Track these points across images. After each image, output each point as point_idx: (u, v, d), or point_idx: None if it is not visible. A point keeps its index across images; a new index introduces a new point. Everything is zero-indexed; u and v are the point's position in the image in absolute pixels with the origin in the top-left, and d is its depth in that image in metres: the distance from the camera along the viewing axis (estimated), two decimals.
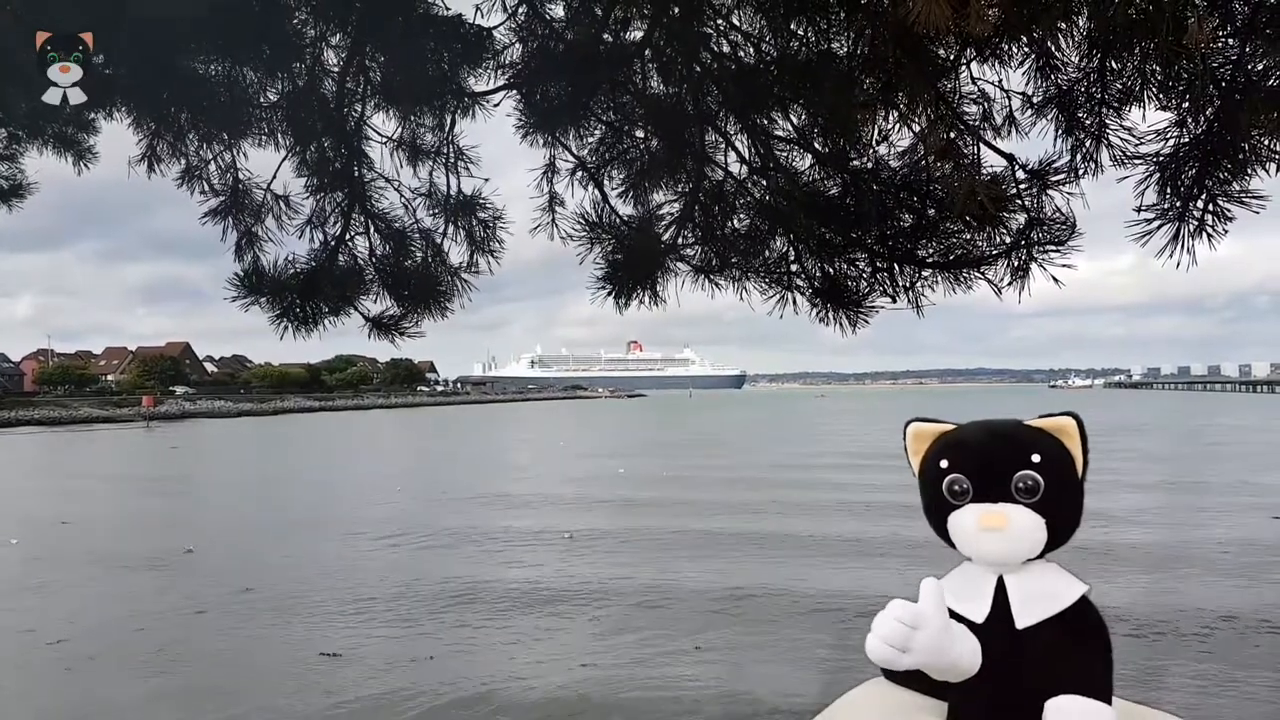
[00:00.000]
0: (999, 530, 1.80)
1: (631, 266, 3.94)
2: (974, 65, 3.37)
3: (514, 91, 3.98)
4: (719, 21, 3.92)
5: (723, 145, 4.05)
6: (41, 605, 9.22)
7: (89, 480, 23.86)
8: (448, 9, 3.94)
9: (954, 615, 1.80)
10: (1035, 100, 3.35)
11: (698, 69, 3.99)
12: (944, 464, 1.90)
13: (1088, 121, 3.28)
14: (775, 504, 15.68)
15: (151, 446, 40.14)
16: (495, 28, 3.95)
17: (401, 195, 4.20)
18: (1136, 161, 3.16)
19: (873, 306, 3.94)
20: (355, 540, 12.83)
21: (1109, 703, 1.75)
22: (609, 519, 14.52)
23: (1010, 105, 3.45)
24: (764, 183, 4.07)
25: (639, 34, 4.00)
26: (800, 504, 15.72)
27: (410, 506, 16.49)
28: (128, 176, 3.89)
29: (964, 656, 1.78)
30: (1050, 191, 3.38)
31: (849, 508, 15.01)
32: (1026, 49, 3.20)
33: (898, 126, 3.59)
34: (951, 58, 3.36)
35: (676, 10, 3.94)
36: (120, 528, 15.02)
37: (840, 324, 3.97)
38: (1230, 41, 2.90)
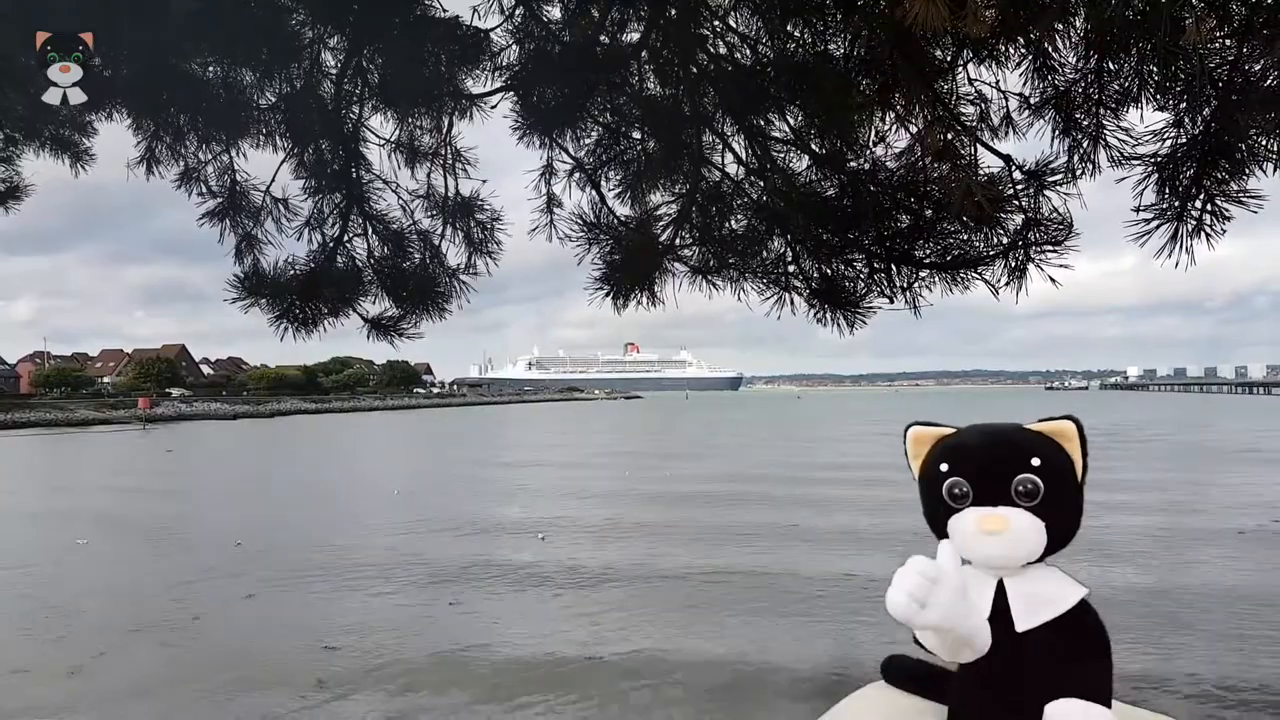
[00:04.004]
0: (999, 533, 1.81)
1: (629, 267, 3.94)
2: (971, 66, 3.37)
3: (511, 93, 3.98)
4: (715, 23, 3.92)
5: (720, 146, 4.06)
6: None
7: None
8: (445, 11, 3.94)
9: None
10: (1032, 101, 3.35)
11: (694, 70, 3.99)
12: (944, 467, 1.90)
13: (1085, 122, 3.27)
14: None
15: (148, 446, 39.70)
16: (492, 29, 3.95)
17: (399, 197, 4.21)
18: (1134, 162, 3.16)
19: (870, 307, 3.94)
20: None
21: (1108, 705, 1.76)
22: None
23: (1007, 106, 3.45)
24: (761, 184, 4.07)
25: (636, 35, 4.01)
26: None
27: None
28: (126, 179, 3.90)
29: (978, 627, 1.79)
30: (1047, 192, 3.38)
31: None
32: (1024, 50, 3.20)
33: (895, 127, 3.60)
34: (948, 59, 3.36)
35: (673, 12, 3.94)
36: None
37: (838, 325, 3.97)
38: (1227, 42, 2.90)
